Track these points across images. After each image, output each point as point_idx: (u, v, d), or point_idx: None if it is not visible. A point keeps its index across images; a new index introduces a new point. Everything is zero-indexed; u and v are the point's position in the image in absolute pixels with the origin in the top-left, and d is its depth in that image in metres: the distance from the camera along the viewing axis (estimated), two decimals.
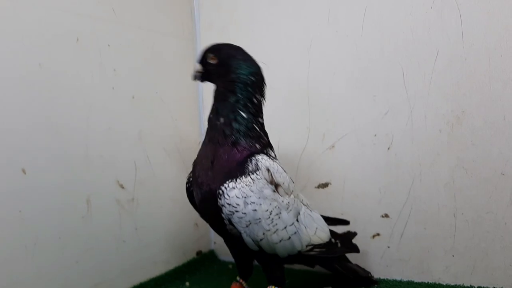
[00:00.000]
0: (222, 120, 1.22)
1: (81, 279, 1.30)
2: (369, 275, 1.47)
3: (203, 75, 1.30)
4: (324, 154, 1.62)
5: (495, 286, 1.39)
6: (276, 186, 1.20)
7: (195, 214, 1.73)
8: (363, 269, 1.48)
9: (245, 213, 1.15)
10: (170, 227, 1.65)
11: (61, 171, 1.25)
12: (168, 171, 1.64)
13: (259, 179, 1.17)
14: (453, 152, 1.43)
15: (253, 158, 1.19)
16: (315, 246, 1.30)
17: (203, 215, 1.31)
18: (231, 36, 1.77)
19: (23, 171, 1.15)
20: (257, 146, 1.23)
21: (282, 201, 1.21)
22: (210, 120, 1.26)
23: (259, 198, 1.16)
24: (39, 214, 1.19)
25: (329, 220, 1.45)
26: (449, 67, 1.42)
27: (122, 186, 1.43)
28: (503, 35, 1.35)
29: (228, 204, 1.15)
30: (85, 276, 1.31)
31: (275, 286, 1.27)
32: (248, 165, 1.18)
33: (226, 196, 1.14)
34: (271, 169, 1.19)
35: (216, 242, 1.87)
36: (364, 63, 1.55)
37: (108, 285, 1.38)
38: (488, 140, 1.38)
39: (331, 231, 1.39)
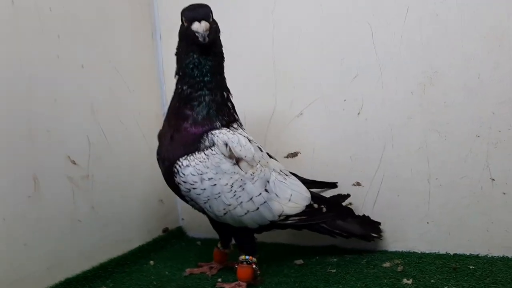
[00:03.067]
0: (207, 96, 1.17)
1: (31, 263, 1.20)
2: (371, 233, 1.39)
3: (210, 36, 1.12)
4: (292, 122, 1.54)
5: (471, 253, 1.35)
6: (237, 160, 1.16)
7: (159, 190, 1.66)
8: (370, 223, 1.40)
9: (203, 189, 1.14)
10: (132, 204, 1.56)
11: (1, 147, 1.14)
12: (126, 145, 1.53)
13: (214, 154, 1.14)
14: (425, 115, 1.36)
15: (210, 133, 1.16)
16: (292, 216, 1.26)
17: (171, 188, 1.25)
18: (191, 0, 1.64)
19: None
20: (217, 122, 1.19)
21: (246, 173, 1.17)
22: (185, 91, 1.17)
23: (217, 173, 1.14)
24: None
25: (315, 184, 1.39)
26: (419, 24, 1.34)
27: (74, 162, 1.33)
28: None
29: (184, 182, 1.14)
30: (35, 259, 1.21)
31: (245, 255, 1.24)
32: (204, 141, 1.15)
33: (181, 174, 1.14)
34: (229, 143, 1.16)
35: (184, 219, 1.79)
36: (330, 25, 1.45)
37: (63, 267, 1.29)
38: (462, 101, 1.32)
39: (317, 196, 1.34)
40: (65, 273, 1.29)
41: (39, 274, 1.22)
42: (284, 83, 1.53)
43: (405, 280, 1.20)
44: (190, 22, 1.11)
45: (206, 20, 1.10)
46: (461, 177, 1.34)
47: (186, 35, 1.15)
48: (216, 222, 1.26)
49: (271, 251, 1.51)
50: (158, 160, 1.27)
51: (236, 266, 1.25)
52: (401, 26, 1.35)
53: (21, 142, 1.19)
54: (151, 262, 1.48)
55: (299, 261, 1.39)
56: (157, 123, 1.64)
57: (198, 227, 1.74)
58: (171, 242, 1.68)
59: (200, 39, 1.09)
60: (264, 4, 1.53)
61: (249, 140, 1.22)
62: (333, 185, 1.45)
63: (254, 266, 1.24)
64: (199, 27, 1.09)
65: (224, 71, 1.24)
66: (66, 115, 1.31)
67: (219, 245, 1.38)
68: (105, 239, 1.44)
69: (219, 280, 1.31)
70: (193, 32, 1.10)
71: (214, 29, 1.16)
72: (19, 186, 1.18)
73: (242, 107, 1.51)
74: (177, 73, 1.21)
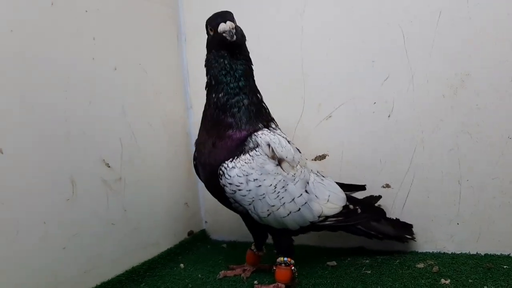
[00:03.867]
0: (244, 100, 1.18)
1: (69, 267, 1.19)
2: (405, 234, 1.41)
3: (237, 34, 1.14)
4: (321, 125, 1.55)
5: (502, 253, 1.36)
6: (279, 160, 1.17)
7: (184, 193, 1.66)
8: (402, 226, 1.42)
9: (249, 190, 1.15)
10: (159, 208, 1.55)
11: (41, 149, 1.12)
12: (154, 147, 1.53)
13: (258, 155, 1.15)
14: (457, 117, 1.37)
15: (253, 135, 1.17)
16: (330, 216, 1.27)
17: (212, 194, 1.26)
18: (217, 3, 1.64)
19: (0, 151, 1.02)
20: (260, 124, 1.20)
21: (287, 174, 1.18)
22: (221, 99, 1.17)
23: (261, 174, 1.15)
24: (20, 198, 1.07)
25: (345, 187, 1.39)
26: (452, 28, 1.35)
27: (108, 165, 1.32)
28: None
29: (230, 183, 1.15)
30: (73, 263, 1.20)
31: (284, 257, 1.24)
32: (248, 143, 1.16)
33: (227, 176, 1.14)
34: (272, 144, 1.17)
35: (208, 222, 1.78)
36: (361, 27, 1.46)
37: (99, 271, 1.27)
38: (493, 103, 1.33)
39: (351, 197, 1.36)
40: (100, 277, 1.28)
41: (77, 279, 1.21)
42: (312, 85, 1.54)
43: (443, 280, 1.21)
44: (217, 26, 1.13)
45: (230, 21, 1.13)
46: (492, 178, 1.36)
47: (214, 41, 1.17)
48: (254, 224, 1.25)
49: (300, 254, 1.50)
50: (195, 166, 1.28)
51: (275, 268, 1.25)
52: (433, 29, 1.37)
53: (59, 144, 1.18)
54: (182, 265, 1.47)
55: (332, 263, 1.40)
56: (182, 126, 1.66)
57: (221, 229, 1.75)
58: (196, 245, 1.67)
59: (228, 37, 1.11)
60: (293, 6, 1.53)
61: (288, 141, 1.22)
62: (362, 188, 1.46)
63: (292, 267, 1.24)
64: (225, 26, 1.11)
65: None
66: (100, 117, 1.31)
67: (252, 247, 1.38)
68: (136, 243, 1.43)
69: (255, 282, 1.31)
70: (220, 34, 1.11)
71: (240, 31, 1.18)
72: (58, 189, 1.17)
73: (270, 109, 1.53)
74: (208, 84, 1.21)
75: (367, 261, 1.41)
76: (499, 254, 1.36)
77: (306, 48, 1.54)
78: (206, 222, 1.79)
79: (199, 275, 1.40)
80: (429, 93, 1.40)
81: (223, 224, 1.73)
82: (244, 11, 1.58)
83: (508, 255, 1.35)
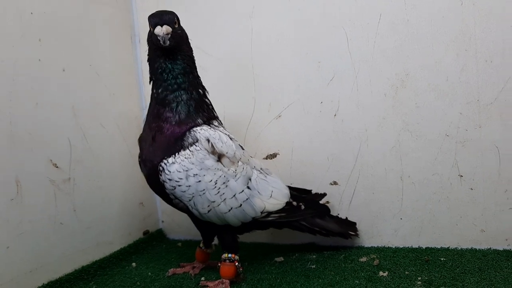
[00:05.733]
0: (183, 95, 1.20)
1: (14, 265, 1.20)
2: (348, 231, 1.45)
3: (171, 40, 1.15)
4: (271, 124, 1.58)
5: (442, 246, 1.42)
6: (219, 156, 1.19)
7: (140, 193, 1.68)
8: (346, 222, 1.46)
9: (188, 186, 1.16)
10: (113, 207, 1.57)
11: None
12: (107, 148, 1.54)
13: (198, 150, 1.16)
14: (398, 116, 1.42)
15: (192, 130, 1.18)
16: (273, 212, 1.30)
17: (154, 190, 1.29)
18: (170, 4, 1.66)
19: None
20: (199, 119, 1.22)
21: (228, 170, 1.20)
22: (160, 94, 1.20)
23: (201, 169, 1.16)
24: None
25: (291, 190, 1.41)
26: (392, 30, 1.40)
27: (56, 165, 1.33)
28: None
29: (170, 179, 1.16)
30: (18, 262, 1.21)
31: (228, 253, 1.27)
32: (187, 138, 1.17)
33: (166, 171, 1.16)
34: (211, 139, 1.18)
35: (164, 221, 1.80)
36: (307, 29, 1.50)
37: (46, 270, 1.29)
38: (432, 102, 1.39)
39: (295, 195, 1.39)
40: (47, 276, 1.29)
41: (21, 278, 1.22)
42: (262, 86, 1.58)
43: (381, 273, 1.26)
44: (154, 26, 1.15)
45: (168, 25, 1.14)
46: (432, 174, 1.41)
47: (151, 40, 1.20)
48: (199, 221, 1.28)
49: (252, 250, 1.55)
50: (140, 163, 1.29)
51: (219, 265, 1.28)
52: (374, 31, 1.41)
53: (2, 145, 1.19)
54: (133, 264, 1.49)
55: (280, 258, 1.43)
56: (137, 126, 1.67)
57: (178, 229, 1.77)
58: (152, 244, 1.69)
59: (161, 41, 1.13)
60: (243, 9, 1.57)
61: (230, 138, 1.25)
62: (309, 192, 1.50)
63: (236, 263, 1.27)
64: (160, 30, 1.13)
65: (198, 71, 1.27)
66: (48, 118, 1.32)
67: (201, 245, 1.41)
68: (87, 242, 1.44)
69: (202, 279, 1.33)
70: (156, 36, 1.14)
71: (178, 35, 1.19)
72: (1, 189, 1.18)
73: (222, 109, 1.56)
74: (150, 78, 1.24)
75: (314, 256, 1.45)
76: (439, 247, 1.42)
77: (256, 48, 1.57)
78: (163, 221, 1.81)
79: (149, 273, 1.42)
80: (372, 92, 1.44)
81: (180, 223, 1.75)
82: (196, 12, 1.62)
83: (448, 248, 1.41)
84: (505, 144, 1.33)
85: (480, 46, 1.32)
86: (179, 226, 1.76)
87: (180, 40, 1.20)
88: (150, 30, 1.21)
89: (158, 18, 1.16)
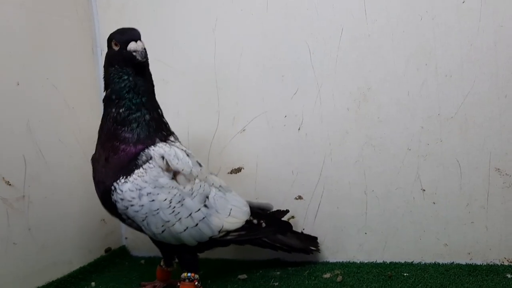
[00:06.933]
0: (146, 115, 1.17)
1: None
2: (310, 246, 1.43)
3: (146, 55, 1.15)
4: (236, 138, 1.56)
5: (406, 260, 1.41)
6: (175, 173, 1.15)
7: (101, 209, 1.61)
8: (307, 238, 1.45)
9: (141, 206, 1.13)
10: (72, 225, 1.51)
11: None
12: (65, 165, 1.49)
13: (152, 168, 1.13)
14: (361, 130, 1.42)
15: (146, 149, 1.15)
16: (232, 231, 1.27)
17: (108, 211, 1.24)
18: (132, 17, 1.64)
19: None
20: (157, 138, 1.19)
21: (184, 188, 1.17)
22: (121, 114, 1.16)
23: (155, 187, 1.13)
24: None
25: (254, 208, 1.38)
26: (353, 44, 1.40)
27: (8, 183, 1.28)
28: (405, 10, 1.35)
29: (122, 199, 1.12)
30: None
31: (187, 272, 1.24)
32: (141, 157, 1.14)
33: (118, 191, 1.12)
34: (166, 156, 1.15)
35: (128, 238, 1.75)
36: (271, 42, 1.49)
37: None
38: (394, 116, 1.39)
39: (256, 213, 1.36)
40: None
41: None
42: (226, 100, 1.55)
43: None
44: (126, 43, 1.12)
45: (140, 40, 1.14)
46: (395, 188, 1.41)
47: (119, 57, 1.15)
48: (156, 241, 1.24)
49: (215, 267, 1.51)
50: (95, 184, 1.25)
51: (179, 284, 1.25)
52: (336, 45, 1.41)
53: None
54: (93, 284, 1.44)
55: (243, 276, 1.40)
56: None
57: (142, 245, 1.72)
58: (114, 262, 1.64)
59: (139, 57, 1.11)
60: (205, 22, 1.55)
61: (187, 154, 1.21)
62: (268, 210, 1.45)
63: (196, 283, 1.24)
64: (137, 46, 1.11)
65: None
66: (0, 134, 1.27)
67: (162, 263, 1.37)
68: (43, 262, 1.39)
69: None
70: (130, 53, 1.11)
71: (146, 51, 1.17)
72: None
73: (185, 123, 1.54)
74: (108, 98, 1.19)
75: (278, 273, 1.42)
76: (403, 262, 1.41)
77: (219, 62, 1.55)
78: (126, 238, 1.76)
79: None
80: (335, 106, 1.44)
81: (144, 240, 1.67)
82: (159, 26, 1.60)
83: (411, 262, 1.40)
84: (466, 158, 1.34)
85: (440, 60, 1.33)
86: (143, 242, 1.71)
87: (147, 56, 1.17)
88: (112, 50, 1.18)
89: (129, 34, 1.14)
